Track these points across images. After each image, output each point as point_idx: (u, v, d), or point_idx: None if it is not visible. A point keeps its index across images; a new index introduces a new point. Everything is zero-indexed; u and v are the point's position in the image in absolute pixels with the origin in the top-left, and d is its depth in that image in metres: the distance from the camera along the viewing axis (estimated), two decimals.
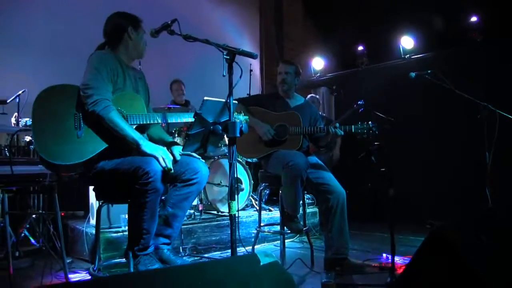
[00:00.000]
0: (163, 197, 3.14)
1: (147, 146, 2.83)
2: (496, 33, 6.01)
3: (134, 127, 2.93)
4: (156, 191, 2.77)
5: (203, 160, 3.23)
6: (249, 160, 5.76)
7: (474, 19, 6.22)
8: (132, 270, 2.81)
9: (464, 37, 6.32)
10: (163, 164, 2.79)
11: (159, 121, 3.04)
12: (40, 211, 4.35)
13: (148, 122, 3.02)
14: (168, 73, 6.51)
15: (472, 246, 2.29)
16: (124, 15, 3.15)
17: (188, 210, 4.10)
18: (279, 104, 4.12)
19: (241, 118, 3.26)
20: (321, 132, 3.90)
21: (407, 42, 6.87)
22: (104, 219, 4.10)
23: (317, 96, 6.69)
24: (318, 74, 8.39)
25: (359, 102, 5.23)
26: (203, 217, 4.94)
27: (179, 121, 3.13)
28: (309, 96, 6.39)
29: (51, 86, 2.85)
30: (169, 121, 3.08)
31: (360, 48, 7.67)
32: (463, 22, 6.34)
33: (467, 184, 5.56)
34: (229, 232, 4.45)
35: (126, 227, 3.87)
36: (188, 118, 3.09)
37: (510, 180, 5.27)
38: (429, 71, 4.19)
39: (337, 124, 3.86)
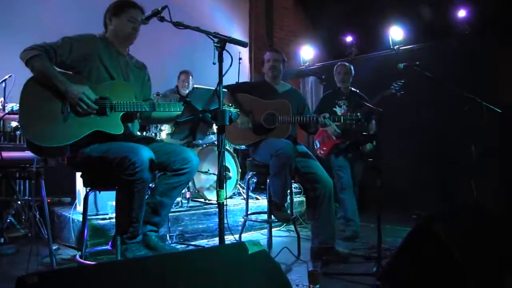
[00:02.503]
0: (151, 185, 3.15)
1: (70, 97, 2.79)
2: (484, 26, 6.04)
3: (121, 114, 2.93)
4: (143, 181, 2.77)
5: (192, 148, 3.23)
6: (237, 147, 5.76)
7: (463, 12, 6.24)
8: (119, 257, 2.81)
9: (452, 29, 6.35)
10: (84, 108, 2.79)
11: (147, 110, 3.03)
12: (26, 197, 4.32)
13: (135, 110, 3.01)
14: (158, 60, 6.45)
15: (456, 236, 2.33)
16: (113, 2, 3.16)
17: None
18: (266, 91, 4.12)
19: (232, 110, 3.24)
20: (311, 122, 3.91)
21: (396, 32, 6.87)
22: (91, 206, 4.08)
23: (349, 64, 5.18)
24: (307, 64, 8.37)
25: (396, 83, 4.64)
26: (190, 204, 4.94)
27: (167, 111, 3.12)
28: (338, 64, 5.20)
29: None
30: (156, 110, 3.08)
31: (349, 38, 7.68)
32: (452, 14, 6.35)
33: (453, 176, 5.62)
34: (216, 220, 4.48)
35: (113, 214, 3.86)
36: (177, 110, 3.08)
37: (495, 172, 5.34)
38: (417, 63, 4.20)
39: (327, 115, 3.87)
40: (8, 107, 4.38)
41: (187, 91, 6.29)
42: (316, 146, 5.10)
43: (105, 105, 2.89)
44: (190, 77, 6.27)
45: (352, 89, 5.05)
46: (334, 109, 4.86)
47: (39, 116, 2.76)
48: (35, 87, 2.78)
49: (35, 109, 2.76)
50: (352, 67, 5.07)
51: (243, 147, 5.35)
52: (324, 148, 5.01)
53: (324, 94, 5.12)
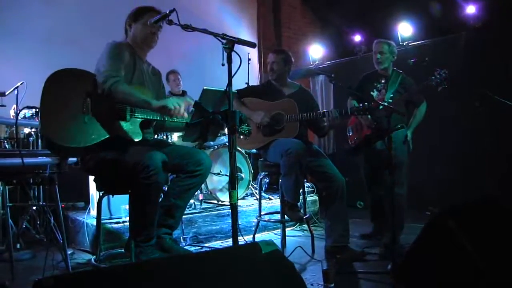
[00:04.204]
0: (165, 188, 3.17)
1: (157, 102, 2.84)
2: (494, 20, 5.99)
3: (140, 120, 2.97)
4: (157, 184, 2.79)
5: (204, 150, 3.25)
6: (248, 151, 5.76)
7: (472, 8, 6.18)
8: (134, 260, 2.83)
9: (462, 24, 6.30)
10: (176, 113, 2.82)
11: (159, 118, 3.06)
12: (41, 203, 4.36)
13: (150, 118, 3.06)
14: (166, 62, 6.47)
15: (470, 232, 2.31)
16: (132, 9, 3.21)
17: None
18: (273, 93, 4.13)
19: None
20: (317, 117, 3.87)
21: (405, 29, 6.83)
22: (105, 210, 4.11)
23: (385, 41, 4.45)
24: (316, 62, 8.36)
25: (439, 73, 3.94)
26: (203, 206, 4.96)
27: (179, 121, 3.15)
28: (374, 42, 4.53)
29: (62, 69, 2.87)
30: (171, 120, 3.11)
31: (358, 37, 7.67)
32: (461, 9, 6.30)
33: (467, 172, 5.58)
34: (230, 221, 4.48)
35: (127, 218, 3.89)
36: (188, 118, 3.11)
37: (509, 167, 5.29)
38: (426, 59, 4.16)
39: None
40: (21, 113, 4.43)
41: (180, 89, 6.35)
42: (349, 134, 4.54)
43: (125, 109, 2.92)
44: (179, 75, 6.34)
45: (397, 70, 4.40)
46: (372, 93, 4.37)
47: (60, 115, 2.79)
48: (56, 87, 2.81)
49: (57, 109, 2.80)
50: (390, 45, 4.39)
51: (253, 151, 5.35)
52: (356, 138, 4.44)
53: (363, 75, 4.58)
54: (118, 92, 2.78)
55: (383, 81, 4.36)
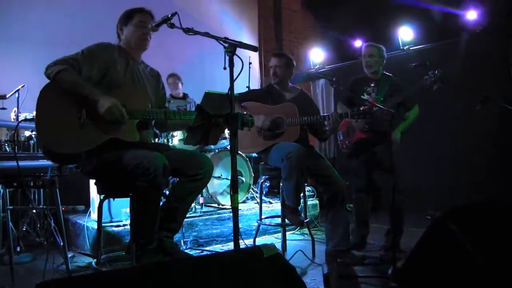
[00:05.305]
0: (166, 191, 3.16)
1: (102, 104, 2.79)
2: (495, 24, 6.00)
3: (137, 121, 2.95)
4: (157, 187, 2.78)
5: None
6: (249, 154, 5.75)
7: (473, 13, 6.20)
8: (135, 263, 2.82)
9: (463, 28, 6.31)
10: (117, 114, 2.80)
11: (162, 117, 3.05)
12: (41, 206, 4.35)
13: (150, 118, 3.04)
14: (167, 66, 6.49)
15: (472, 234, 2.30)
16: (123, 12, 3.22)
17: None
18: (275, 97, 4.12)
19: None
20: (318, 120, 3.85)
21: (406, 33, 6.84)
22: (105, 213, 4.10)
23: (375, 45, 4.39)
24: (317, 66, 8.37)
25: (433, 72, 3.92)
26: (203, 210, 4.95)
27: (180, 119, 3.14)
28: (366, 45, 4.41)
29: None
30: (170, 118, 3.10)
31: (359, 41, 7.68)
32: (462, 13, 6.32)
33: (467, 174, 5.57)
34: (230, 225, 4.48)
35: (128, 221, 3.88)
36: (192, 118, 3.10)
37: (509, 169, 5.29)
38: (427, 63, 4.15)
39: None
40: (22, 116, 4.43)
41: (180, 92, 6.36)
42: (339, 139, 4.40)
43: None
44: (177, 79, 6.36)
45: (386, 74, 4.32)
46: (362, 96, 4.21)
47: (56, 123, 2.80)
48: (51, 95, 2.82)
49: (52, 117, 2.80)
50: (380, 49, 4.30)
51: (254, 155, 5.34)
52: (347, 142, 4.30)
53: (353, 79, 4.45)
54: (63, 80, 2.79)
55: (372, 84, 4.27)
